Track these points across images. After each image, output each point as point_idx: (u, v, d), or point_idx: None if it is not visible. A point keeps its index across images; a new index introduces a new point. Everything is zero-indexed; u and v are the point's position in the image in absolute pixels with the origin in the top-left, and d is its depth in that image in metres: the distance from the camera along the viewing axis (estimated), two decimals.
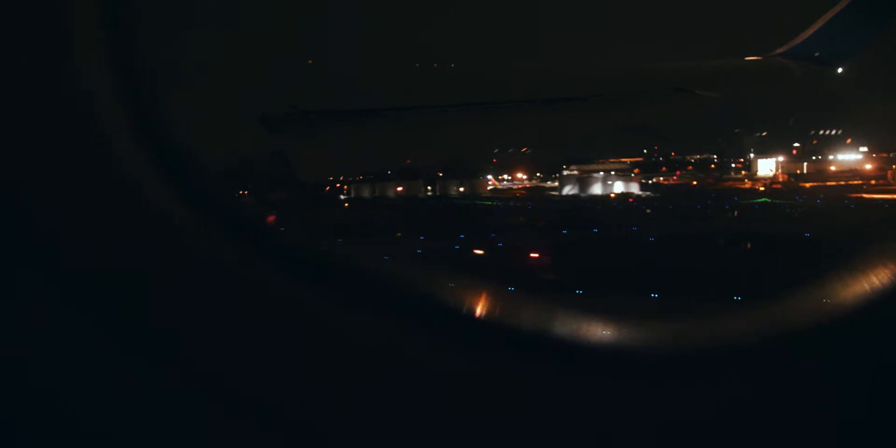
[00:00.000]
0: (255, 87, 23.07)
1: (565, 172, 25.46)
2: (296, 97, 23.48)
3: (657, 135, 24.90)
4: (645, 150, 27.08)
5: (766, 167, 24.18)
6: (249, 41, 23.84)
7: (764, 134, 24.63)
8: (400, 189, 24.21)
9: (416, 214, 18.98)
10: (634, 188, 21.56)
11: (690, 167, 25.85)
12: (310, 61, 24.84)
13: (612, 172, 22.87)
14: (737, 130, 25.38)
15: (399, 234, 16.62)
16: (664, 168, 25.53)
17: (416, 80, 26.38)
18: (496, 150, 25.85)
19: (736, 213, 16.82)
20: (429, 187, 24.30)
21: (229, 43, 23.07)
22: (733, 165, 25.55)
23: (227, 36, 23.53)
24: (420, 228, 16.97)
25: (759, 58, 27.71)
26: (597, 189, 21.93)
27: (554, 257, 12.55)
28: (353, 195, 23.98)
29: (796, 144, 24.96)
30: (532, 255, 12.28)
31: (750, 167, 24.80)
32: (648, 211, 17.22)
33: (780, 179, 20.50)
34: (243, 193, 23.67)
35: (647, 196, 20.97)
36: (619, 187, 21.73)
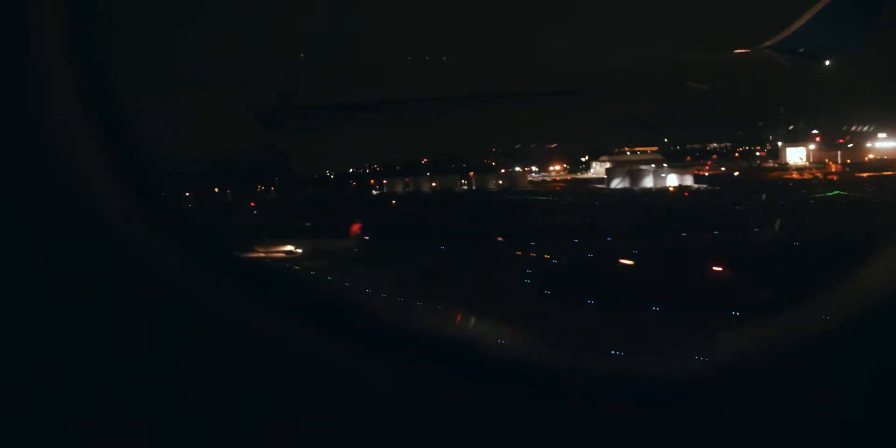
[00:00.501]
0: (255, 86, 22.31)
1: (595, 164, 24.97)
2: (297, 94, 22.87)
3: (656, 127, 24.85)
4: (666, 139, 27.01)
5: (796, 155, 24.27)
6: (250, 41, 23.10)
7: (791, 128, 24.77)
8: (434, 183, 23.19)
9: (486, 213, 17.83)
10: (689, 180, 21.15)
11: (715, 156, 25.78)
12: (302, 55, 24.35)
13: (666, 165, 22.46)
14: (760, 124, 25.48)
15: (499, 239, 15.64)
16: (688, 158, 25.34)
17: (412, 74, 25.94)
18: (518, 146, 25.37)
19: (834, 208, 16.53)
20: (463, 181, 23.35)
21: (229, 42, 22.34)
22: (758, 154, 25.60)
23: (227, 35, 22.76)
24: (507, 230, 16.01)
25: (748, 50, 28.33)
26: (648, 182, 21.42)
27: (722, 268, 11.90)
28: (385, 190, 22.84)
29: (815, 132, 25.22)
30: (714, 267, 11.57)
31: (777, 156, 24.85)
32: (738, 208, 16.69)
33: (833, 169, 20.43)
34: (270, 189, 22.31)
35: (707, 189, 20.59)
36: (672, 180, 21.28)
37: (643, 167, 22.05)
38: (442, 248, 15.29)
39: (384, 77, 25.32)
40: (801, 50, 27.46)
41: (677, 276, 11.54)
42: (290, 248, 15.65)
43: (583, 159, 25.90)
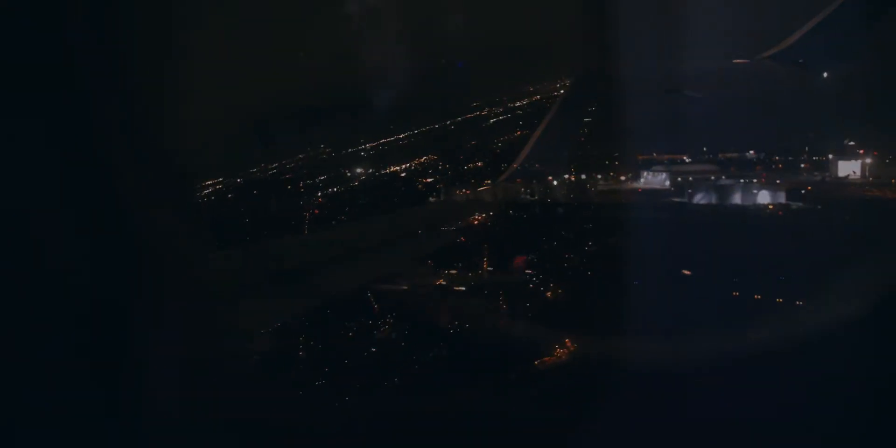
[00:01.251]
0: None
1: (646, 173, 23.19)
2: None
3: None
4: (705, 148, 25.90)
5: (849, 169, 23.53)
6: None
7: (848, 142, 24.10)
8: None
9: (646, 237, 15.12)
10: (781, 197, 19.71)
11: (759, 167, 24.73)
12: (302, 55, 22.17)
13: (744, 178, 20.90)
14: (810, 134, 24.72)
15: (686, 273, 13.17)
16: (733, 168, 24.12)
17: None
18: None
19: None
20: (523, 189, 20.82)
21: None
22: (802, 166, 24.76)
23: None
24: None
25: (746, 61, 27.85)
26: (737, 198, 19.79)
27: None
28: (442, 198, 20.01)
29: (851, 143, 24.73)
30: None
31: (824, 168, 24.07)
32: None
33: None
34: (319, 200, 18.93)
35: (809, 208, 19.19)
36: (764, 197, 19.75)
37: (729, 182, 20.36)
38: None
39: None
40: (802, 61, 27.14)
41: None
42: (442, 281, 12.57)
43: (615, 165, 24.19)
